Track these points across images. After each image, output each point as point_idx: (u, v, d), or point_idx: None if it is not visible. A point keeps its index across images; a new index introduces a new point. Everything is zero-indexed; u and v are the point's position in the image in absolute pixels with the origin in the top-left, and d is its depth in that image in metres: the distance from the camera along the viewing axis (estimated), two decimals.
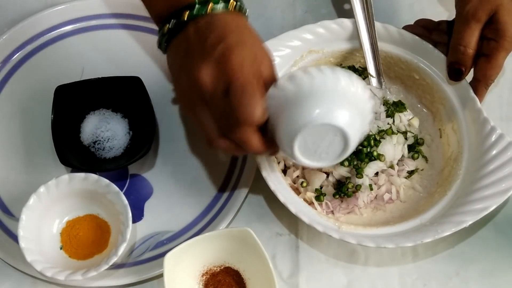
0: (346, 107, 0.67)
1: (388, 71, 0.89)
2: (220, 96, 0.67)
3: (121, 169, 0.87)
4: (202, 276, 0.81)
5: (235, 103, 0.66)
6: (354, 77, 0.68)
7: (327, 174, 0.83)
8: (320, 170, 0.83)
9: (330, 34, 0.86)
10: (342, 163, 0.82)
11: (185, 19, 0.69)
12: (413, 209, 0.83)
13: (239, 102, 0.66)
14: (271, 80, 0.69)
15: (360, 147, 0.82)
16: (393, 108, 0.86)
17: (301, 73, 0.67)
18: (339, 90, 0.67)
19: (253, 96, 0.66)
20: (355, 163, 0.82)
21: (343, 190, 0.82)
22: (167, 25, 0.70)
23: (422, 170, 0.87)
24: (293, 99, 0.67)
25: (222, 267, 0.81)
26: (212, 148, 0.71)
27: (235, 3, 0.70)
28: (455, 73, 0.83)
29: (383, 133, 0.84)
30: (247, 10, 0.73)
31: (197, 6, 0.68)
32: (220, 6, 0.69)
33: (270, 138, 0.70)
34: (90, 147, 0.86)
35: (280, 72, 0.85)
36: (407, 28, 0.88)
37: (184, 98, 0.71)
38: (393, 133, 0.84)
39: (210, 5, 0.68)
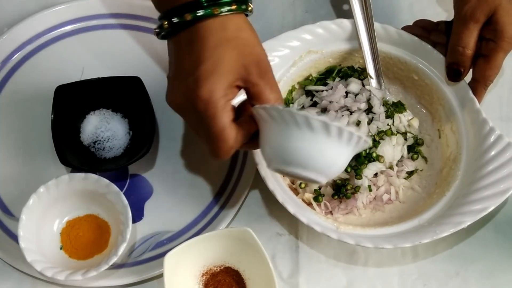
0: (325, 159, 0.67)
1: (387, 72, 0.89)
2: (193, 117, 0.70)
3: (121, 169, 0.87)
4: (202, 276, 0.81)
5: (205, 140, 0.69)
6: (339, 126, 0.66)
7: None
8: None
9: (329, 34, 0.86)
10: None
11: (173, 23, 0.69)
12: (412, 210, 0.83)
13: (207, 141, 0.69)
14: (261, 93, 0.69)
15: None
16: (392, 108, 0.86)
17: (290, 118, 0.66)
18: (320, 145, 0.66)
19: (218, 140, 0.68)
20: (353, 164, 0.82)
21: (342, 191, 0.82)
22: (161, 25, 0.71)
23: (421, 170, 0.87)
24: (279, 136, 0.67)
25: (222, 267, 0.81)
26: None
27: (235, 5, 0.69)
28: (454, 74, 0.83)
29: (382, 134, 0.84)
30: (250, 3, 0.72)
31: (175, 20, 0.69)
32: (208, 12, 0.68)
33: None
34: (90, 147, 0.86)
35: (280, 72, 0.85)
36: (406, 28, 0.88)
37: (173, 105, 0.73)
38: (392, 134, 0.84)
39: (197, 12, 0.68)
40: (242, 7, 0.70)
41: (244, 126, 0.70)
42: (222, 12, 0.68)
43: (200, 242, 0.79)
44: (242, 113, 0.71)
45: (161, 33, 0.71)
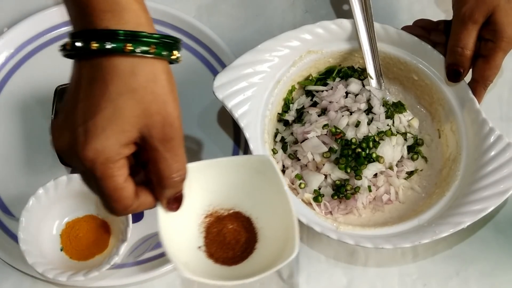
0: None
1: (387, 72, 0.89)
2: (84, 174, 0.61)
3: None
4: (206, 217, 0.70)
5: (97, 193, 0.60)
6: None
7: (326, 175, 0.83)
8: (318, 171, 0.83)
9: (329, 34, 0.86)
10: (339, 167, 0.82)
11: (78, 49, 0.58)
12: (411, 210, 0.83)
13: (100, 195, 0.60)
14: (167, 144, 0.59)
15: (359, 150, 0.82)
16: (392, 109, 0.86)
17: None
18: None
19: (111, 200, 0.59)
20: (353, 165, 0.82)
21: (341, 191, 0.82)
22: (70, 43, 0.59)
23: (421, 170, 0.87)
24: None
25: (231, 211, 0.70)
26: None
27: (160, 45, 0.58)
28: (453, 75, 0.83)
29: (382, 135, 0.84)
30: (178, 51, 0.60)
31: (82, 45, 0.57)
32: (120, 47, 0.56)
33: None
34: None
35: (280, 72, 0.85)
36: (406, 28, 0.88)
37: None
38: (392, 134, 0.84)
39: (105, 42, 0.56)
40: (163, 53, 0.58)
41: (142, 194, 0.61)
42: (135, 52, 0.56)
43: (210, 170, 0.68)
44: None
45: (63, 53, 0.59)
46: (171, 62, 0.59)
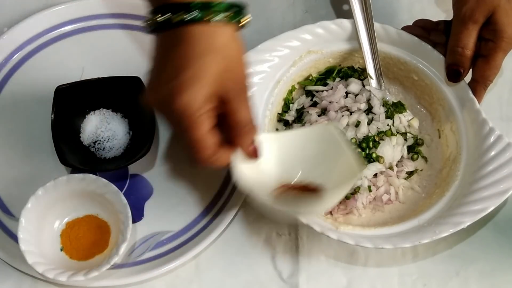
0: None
1: (387, 72, 0.89)
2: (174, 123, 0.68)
3: (121, 169, 0.86)
4: (276, 188, 0.76)
5: (185, 141, 0.67)
6: None
7: None
8: None
9: (329, 34, 0.86)
10: None
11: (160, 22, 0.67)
12: (411, 210, 0.83)
13: (189, 147, 0.67)
14: (237, 110, 0.68)
15: (359, 150, 0.82)
16: (392, 109, 0.86)
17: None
18: None
19: (199, 148, 0.67)
20: None
21: None
22: (152, 19, 0.68)
23: (421, 170, 0.87)
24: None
25: (300, 182, 0.76)
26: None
27: (231, 13, 0.67)
28: (453, 75, 0.83)
29: (382, 135, 0.84)
30: (246, 16, 0.69)
31: (169, 15, 0.66)
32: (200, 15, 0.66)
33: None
34: (90, 147, 0.86)
35: (280, 72, 0.85)
36: (406, 28, 0.88)
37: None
38: (392, 134, 0.84)
39: (184, 15, 0.65)
40: (236, 18, 0.67)
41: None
42: (214, 19, 0.66)
43: (279, 141, 0.74)
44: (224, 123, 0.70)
45: (148, 28, 0.68)
46: (242, 26, 0.69)
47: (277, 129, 0.87)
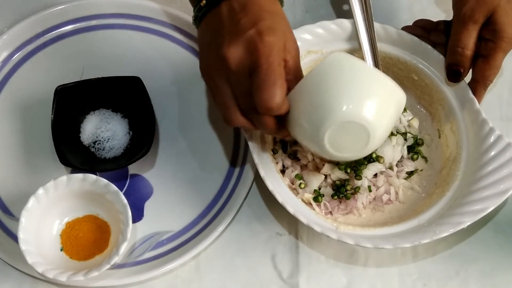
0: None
1: (387, 72, 0.89)
2: (244, 76, 0.68)
3: (121, 169, 0.87)
4: None
5: (256, 89, 0.67)
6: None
7: (325, 175, 0.83)
8: (318, 171, 0.83)
9: (329, 34, 0.86)
10: (339, 168, 0.82)
11: None
12: (411, 210, 0.83)
13: (260, 88, 0.67)
14: (295, 71, 0.71)
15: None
16: None
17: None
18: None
19: (274, 85, 0.67)
20: (353, 165, 0.82)
21: (341, 191, 0.82)
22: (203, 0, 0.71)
23: (421, 170, 0.87)
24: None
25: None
26: (229, 125, 0.72)
27: None
28: (453, 75, 0.83)
29: None
30: None
31: None
32: None
33: (285, 124, 0.72)
34: (90, 147, 0.86)
35: None
36: (406, 29, 0.88)
37: (209, 73, 0.72)
38: (392, 134, 0.84)
39: None
40: None
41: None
42: None
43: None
44: None
45: (201, 11, 0.71)
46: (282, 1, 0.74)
47: None
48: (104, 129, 0.86)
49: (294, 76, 0.71)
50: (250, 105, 0.69)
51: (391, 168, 0.84)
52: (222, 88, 0.70)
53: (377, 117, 0.69)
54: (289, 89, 0.70)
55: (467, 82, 0.84)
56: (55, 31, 0.93)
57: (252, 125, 0.72)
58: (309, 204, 0.82)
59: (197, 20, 0.73)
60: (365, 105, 0.69)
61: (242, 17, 0.68)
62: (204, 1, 0.71)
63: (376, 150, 0.82)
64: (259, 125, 0.71)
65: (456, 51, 0.82)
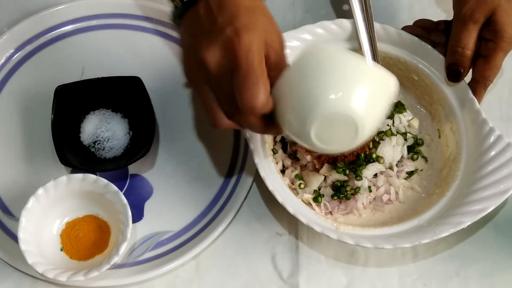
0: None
1: None
2: (225, 79, 0.66)
3: (121, 169, 0.86)
4: None
5: (237, 90, 0.65)
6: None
7: (325, 175, 0.84)
8: (317, 172, 0.83)
9: (329, 34, 0.86)
10: (337, 171, 0.82)
11: None
12: (411, 210, 0.83)
13: (241, 90, 0.65)
14: (279, 65, 0.68)
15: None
16: (392, 109, 0.86)
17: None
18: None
19: (255, 84, 0.65)
20: (351, 167, 0.82)
21: (342, 192, 0.82)
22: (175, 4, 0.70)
23: (421, 170, 0.87)
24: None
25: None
26: (215, 128, 0.70)
27: None
28: (453, 75, 0.83)
29: (382, 135, 0.84)
30: None
31: None
32: None
33: (274, 120, 0.70)
34: (90, 147, 0.86)
35: None
36: (406, 28, 0.88)
37: (190, 77, 0.71)
38: (392, 134, 0.84)
39: None
40: None
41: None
42: None
43: None
44: None
45: (177, 12, 0.70)
46: None
47: None
48: (104, 129, 0.86)
49: (279, 70, 0.68)
50: (234, 107, 0.67)
51: (391, 168, 0.84)
52: (205, 92, 0.69)
53: (365, 107, 0.65)
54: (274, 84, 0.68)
55: (467, 82, 0.84)
56: (55, 31, 0.93)
57: (240, 126, 0.70)
58: (309, 204, 0.82)
59: (176, 20, 0.72)
60: (352, 95, 0.64)
61: (219, 16, 0.67)
62: (179, 2, 0.70)
63: (369, 143, 0.82)
64: (246, 126, 0.70)
65: (456, 51, 0.82)
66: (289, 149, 0.86)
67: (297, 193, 0.83)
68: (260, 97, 0.65)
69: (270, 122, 0.69)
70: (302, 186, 0.83)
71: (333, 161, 0.82)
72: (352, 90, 0.65)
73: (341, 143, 0.68)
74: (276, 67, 0.68)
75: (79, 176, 0.80)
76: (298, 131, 0.67)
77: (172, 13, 0.71)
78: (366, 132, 0.66)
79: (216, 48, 0.66)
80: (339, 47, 0.68)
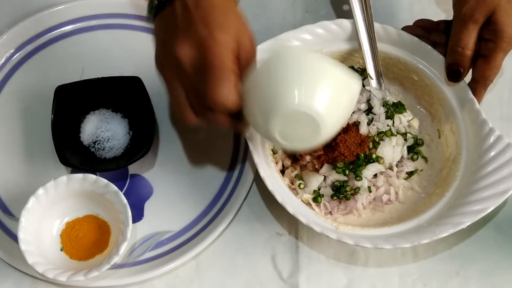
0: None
1: (387, 72, 0.89)
2: (196, 75, 0.69)
3: (121, 169, 0.87)
4: None
5: (207, 87, 0.68)
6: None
7: (325, 175, 0.84)
8: (317, 172, 0.83)
9: (329, 34, 0.86)
10: (336, 171, 0.82)
11: None
12: (411, 210, 0.83)
13: (211, 87, 0.68)
14: (250, 64, 0.71)
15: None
16: (392, 109, 0.86)
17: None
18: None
19: (225, 81, 0.68)
20: (351, 168, 0.82)
21: (341, 192, 0.82)
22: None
23: (421, 170, 0.87)
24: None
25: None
26: (184, 123, 0.72)
27: None
28: (453, 75, 0.83)
29: (382, 135, 0.84)
30: None
31: None
32: None
33: (243, 118, 0.72)
34: (90, 147, 0.86)
35: None
36: (406, 28, 0.88)
37: (162, 70, 0.73)
38: (392, 134, 0.84)
39: None
40: None
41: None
42: None
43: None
44: None
45: (155, 6, 0.71)
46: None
47: None
48: (104, 129, 0.86)
49: (249, 70, 0.71)
50: (202, 103, 0.69)
51: (391, 168, 0.84)
52: (175, 86, 0.71)
53: (326, 106, 0.68)
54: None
55: (467, 82, 0.84)
56: (55, 31, 0.93)
57: (208, 123, 0.72)
58: (308, 204, 0.82)
59: (151, 15, 0.73)
60: (313, 95, 0.68)
61: (194, 15, 0.69)
62: (155, 1, 0.71)
63: (369, 143, 0.83)
64: (213, 123, 0.72)
65: (456, 51, 0.82)
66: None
67: (296, 193, 0.83)
68: (228, 94, 0.68)
69: (239, 119, 0.72)
70: (301, 186, 0.83)
71: (333, 161, 0.82)
72: (313, 89, 0.68)
73: (303, 141, 0.71)
74: (246, 67, 0.70)
75: (79, 176, 0.80)
76: (263, 129, 0.70)
77: (148, 7, 0.73)
78: (328, 131, 0.70)
79: (189, 45, 0.68)
80: (305, 48, 0.71)
